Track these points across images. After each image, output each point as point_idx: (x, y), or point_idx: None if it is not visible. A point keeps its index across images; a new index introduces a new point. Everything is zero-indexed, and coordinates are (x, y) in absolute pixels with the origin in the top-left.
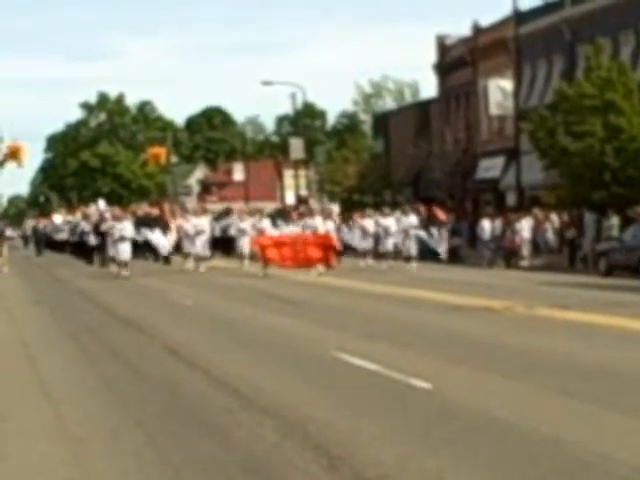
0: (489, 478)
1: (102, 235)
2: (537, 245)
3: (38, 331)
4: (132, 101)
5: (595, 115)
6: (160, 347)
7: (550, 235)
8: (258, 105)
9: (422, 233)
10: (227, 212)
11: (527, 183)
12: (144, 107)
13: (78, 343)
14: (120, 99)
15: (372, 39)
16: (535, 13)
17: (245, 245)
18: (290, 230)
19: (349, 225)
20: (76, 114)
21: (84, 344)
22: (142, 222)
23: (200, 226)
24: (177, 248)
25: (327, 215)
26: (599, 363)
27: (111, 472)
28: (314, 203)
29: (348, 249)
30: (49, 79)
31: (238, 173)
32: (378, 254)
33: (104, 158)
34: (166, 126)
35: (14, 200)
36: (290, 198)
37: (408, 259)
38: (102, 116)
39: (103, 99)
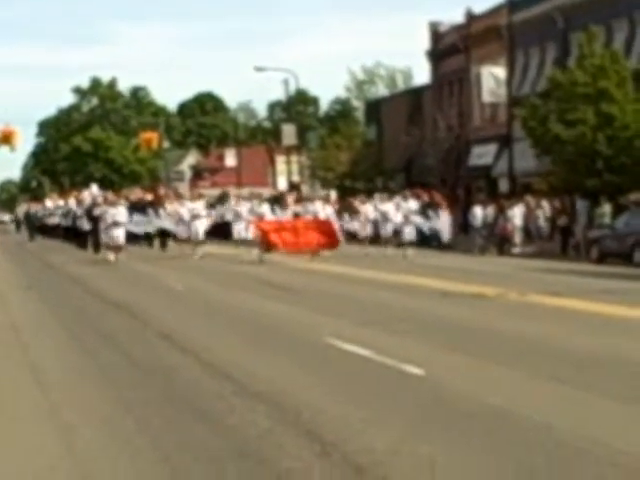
0: (482, 464)
1: (95, 220)
2: (529, 232)
3: (30, 316)
4: (125, 86)
5: (587, 103)
6: (153, 332)
7: (542, 222)
8: (250, 91)
9: (419, 220)
10: (224, 197)
11: (519, 170)
12: (137, 92)
13: (70, 328)
14: (112, 84)
15: (365, 26)
16: (528, 1)
17: (241, 230)
18: (285, 217)
19: (349, 211)
20: (68, 99)
21: (76, 329)
22: (136, 207)
23: (196, 210)
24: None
25: (326, 200)
26: (591, 350)
27: (102, 458)
28: (306, 189)
29: (347, 235)
30: (42, 64)
31: (230, 159)
32: (377, 240)
33: (96, 143)
34: (158, 111)
35: (6, 185)
36: (282, 184)
37: (406, 245)
38: (94, 101)
39: (95, 84)
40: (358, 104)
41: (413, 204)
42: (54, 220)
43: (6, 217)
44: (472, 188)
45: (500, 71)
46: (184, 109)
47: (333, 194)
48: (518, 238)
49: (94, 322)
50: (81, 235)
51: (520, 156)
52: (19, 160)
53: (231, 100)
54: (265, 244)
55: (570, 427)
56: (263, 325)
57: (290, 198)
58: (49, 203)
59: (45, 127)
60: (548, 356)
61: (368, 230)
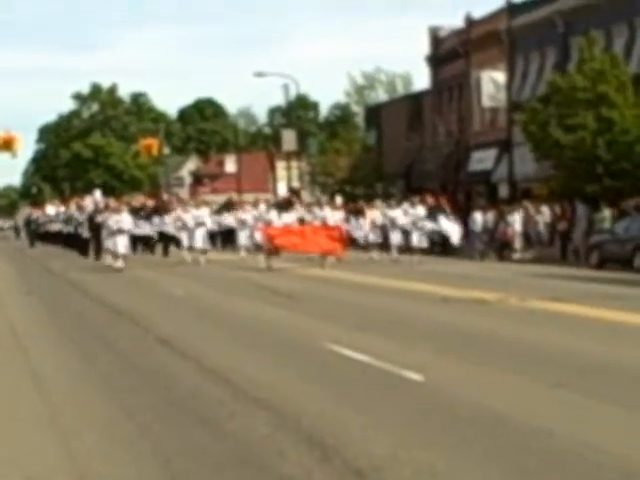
0: (481, 470)
1: (97, 227)
2: (529, 237)
3: (30, 322)
4: (125, 92)
5: (587, 108)
6: (153, 338)
7: (541, 227)
8: (250, 97)
9: (430, 225)
10: (229, 203)
11: (519, 175)
12: (137, 98)
13: (70, 334)
14: (113, 90)
15: (365, 31)
16: (528, 5)
17: (245, 237)
18: (291, 219)
19: (356, 217)
20: (69, 105)
21: (76, 335)
22: (140, 214)
23: (200, 218)
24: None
25: (335, 206)
26: (591, 356)
27: (103, 463)
28: (306, 195)
29: (354, 241)
30: (42, 70)
31: (230, 165)
32: (386, 246)
33: (96, 149)
34: (158, 117)
35: (6, 191)
36: (282, 190)
37: (414, 251)
38: (95, 107)
39: (96, 90)
40: (358, 109)
41: (421, 210)
42: (55, 226)
43: (6, 224)
44: (472, 193)
45: (500, 76)
46: (184, 115)
47: (339, 199)
48: (518, 243)
49: (94, 328)
50: (82, 242)
51: (520, 161)
52: (19, 166)
53: (231, 106)
54: (272, 248)
55: (570, 433)
56: (263, 331)
57: (297, 201)
58: (50, 209)
59: (45, 133)
60: (548, 362)
61: (375, 236)
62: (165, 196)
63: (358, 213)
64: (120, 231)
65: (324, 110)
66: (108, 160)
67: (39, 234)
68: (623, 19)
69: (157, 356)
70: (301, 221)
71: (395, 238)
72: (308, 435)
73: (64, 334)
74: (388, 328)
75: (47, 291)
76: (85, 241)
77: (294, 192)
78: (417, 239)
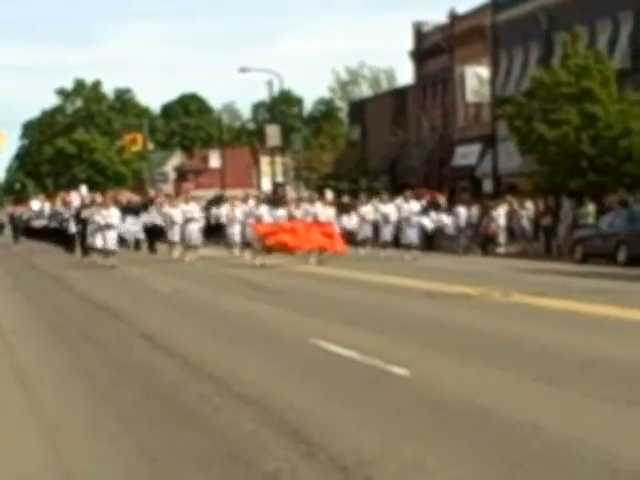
0: (467, 464)
1: (83, 222)
2: (513, 232)
3: (14, 318)
4: (109, 88)
5: (571, 103)
6: (138, 334)
7: (525, 222)
8: (234, 92)
9: (426, 221)
10: (219, 198)
11: (503, 170)
12: (121, 94)
13: (54, 330)
14: (97, 86)
15: (349, 26)
16: (512, 1)
17: (236, 233)
18: (281, 216)
19: (348, 214)
20: (52, 101)
21: (60, 331)
22: (129, 210)
23: (190, 213)
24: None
25: (326, 202)
26: (575, 350)
27: (87, 458)
28: (290, 190)
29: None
30: (26, 65)
31: (214, 160)
32: (377, 242)
33: (80, 145)
34: (142, 113)
35: None
36: (266, 185)
37: (409, 247)
38: (78, 103)
39: (79, 86)
40: (342, 105)
41: (414, 205)
42: (40, 222)
43: None
44: (456, 188)
45: (484, 71)
46: (168, 110)
47: (329, 194)
48: (502, 238)
49: (79, 324)
50: (68, 238)
51: (504, 156)
52: (2, 162)
53: (215, 101)
54: (264, 247)
55: (556, 427)
56: (249, 326)
57: (288, 197)
58: (35, 205)
59: (29, 129)
60: (533, 356)
61: (367, 232)
62: (152, 192)
63: (349, 209)
64: (108, 226)
65: (308, 105)
66: (92, 156)
67: (24, 230)
68: (607, 14)
69: (142, 352)
70: (291, 217)
71: (387, 234)
72: (293, 431)
73: (49, 330)
74: (374, 323)
75: (32, 287)
76: (71, 237)
77: (278, 187)
78: (410, 235)
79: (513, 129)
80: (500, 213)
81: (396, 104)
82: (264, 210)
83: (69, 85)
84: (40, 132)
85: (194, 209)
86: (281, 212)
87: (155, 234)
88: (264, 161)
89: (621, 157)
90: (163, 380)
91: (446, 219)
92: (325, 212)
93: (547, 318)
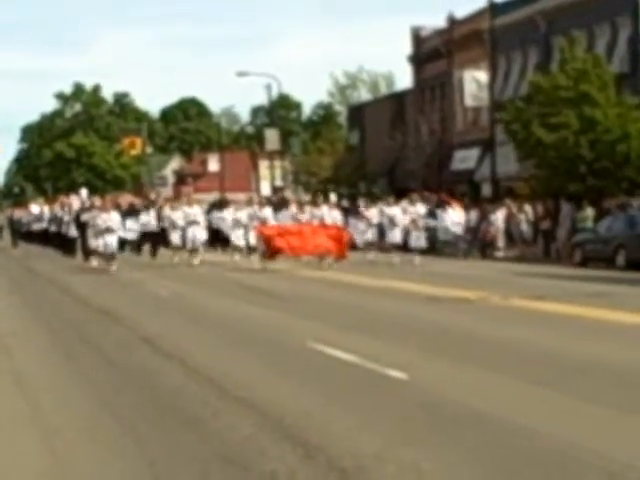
0: (465, 468)
1: (83, 226)
2: (511, 236)
3: (12, 321)
4: (108, 92)
5: (570, 107)
6: (137, 338)
7: (524, 226)
8: (233, 96)
9: (432, 223)
10: (222, 202)
11: (502, 174)
12: (120, 98)
13: (53, 334)
14: (96, 90)
15: (348, 31)
16: (510, 5)
17: (240, 237)
18: (285, 219)
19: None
20: (52, 105)
21: (59, 334)
22: (129, 213)
23: (192, 216)
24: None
25: (331, 205)
26: (574, 354)
27: (87, 462)
28: (289, 194)
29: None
30: (25, 69)
31: (213, 164)
32: (383, 246)
33: (79, 149)
34: (141, 117)
35: None
36: (265, 189)
37: (414, 251)
38: (77, 107)
39: (78, 90)
40: (341, 109)
41: (421, 208)
42: (39, 226)
43: None
44: (455, 192)
45: (482, 75)
46: (167, 115)
47: (333, 197)
48: (501, 242)
49: (78, 327)
50: (68, 242)
51: (503, 160)
52: (1, 166)
53: (214, 105)
54: (269, 250)
55: (553, 431)
56: (248, 330)
57: (292, 201)
58: (34, 209)
59: (28, 133)
60: (532, 360)
61: (371, 235)
62: (153, 195)
63: (355, 213)
64: (109, 230)
65: (307, 110)
66: (91, 160)
67: (23, 234)
68: (605, 19)
69: (141, 356)
70: (296, 220)
71: (394, 237)
72: (292, 434)
73: (47, 334)
74: (373, 327)
75: (30, 291)
76: (71, 241)
77: (277, 191)
78: (416, 239)
79: (510, 134)
80: (498, 217)
81: (395, 108)
82: (269, 213)
83: (68, 89)
84: (39, 136)
85: (197, 212)
86: (286, 215)
87: (156, 239)
88: (263, 165)
89: (619, 161)
90: (162, 384)
91: (456, 220)
92: (331, 215)
93: (546, 322)
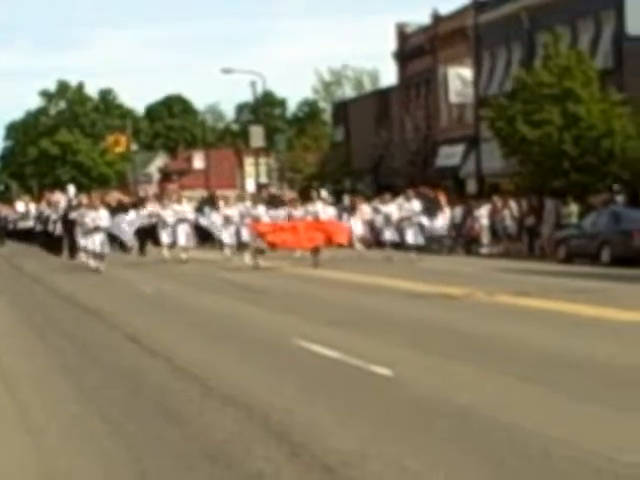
0: (449, 464)
1: (71, 224)
2: (496, 232)
3: None
4: (93, 90)
5: (553, 103)
6: (122, 335)
7: (509, 222)
8: (218, 93)
9: (426, 221)
10: (211, 199)
11: (487, 170)
12: (105, 96)
13: (39, 332)
14: (80, 87)
15: (332, 27)
16: (494, 2)
17: (231, 234)
18: (280, 217)
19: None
20: (36, 102)
21: (45, 333)
22: (118, 211)
23: (182, 213)
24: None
25: (325, 201)
26: (559, 350)
27: (72, 460)
28: (274, 191)
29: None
30: (9, 67)
31: (198, 161)
32: (379, 243)
33: (64, 146)
34: (126, 114)
35: None
36: (250, 186)
37: (409, 248)
38: (62, 104)
39: (63, 87)
40: (325, 106)
41: (416, 205)
42: (26, 224)
43: None
44: (440, 189)
45: (467, 72)
46: (152, 112)
47: (324, 193)
48: (486, 238)
49: (64, 325)
50: (55, 240)
51: (487, 157)
52: None
53: (199, 102)
54: (267, 244)
55: (537, 426)
56: (233, 327)
57: (287, 198)
58: (20, 206)
59: (12, 130)
60: (516, 356)
61: (364, 231)
62: (142, 192)
63: (350, 209)
64: (97, 229)
65: (292, 107)
66: (76, 157)
67: (9, 232)
68: (589, 15)
69: (126, 353)
70: (290, 217)
71: (389, 235)
72: (277, 431)
73: (33, 332)
74: (357, 323)
75: (17, 290)
76: (58, 239)
77: (262, 188)
78: (413, 236)
79: (495, 131)
80: (483, 213)
81: (379, 105)
82: (262, 210)
83: (53, 87)
84: (24, 134)
85: (187, 209)
86: (280, 212)
87: (145, 236)
88: (248, 162)
89: (603, 157)
90: (147, 381)
91: (440, 224)
92: (325, 211)
93: (531, 318)
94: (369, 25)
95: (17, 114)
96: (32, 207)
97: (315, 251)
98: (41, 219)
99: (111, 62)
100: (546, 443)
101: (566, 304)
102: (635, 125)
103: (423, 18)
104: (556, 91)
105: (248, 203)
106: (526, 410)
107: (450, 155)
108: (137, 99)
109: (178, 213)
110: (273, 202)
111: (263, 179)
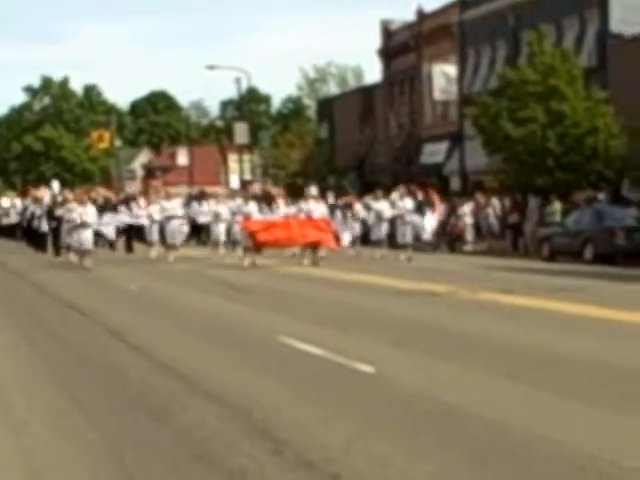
0: (433, 461)
1: (57, 220)
2: (480, 230)
3: None
4: (77, 85)
5: (538, 101)
6: (106, 332)
7: (492, 220)
8: (203, 90)
9: (417, 219)
10: (201, 195)
11: (471, 168)
12: (89, 91)
13: (22, 328)
14: (65, 83)
15: (317, 24)
16: None
17: (221, 232)
18: (275, 217)
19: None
20: (20, 98)
21: (28, 329)
22: (106, 208)
23: (171, 210)
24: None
25: (317, 199)
26: (542, 347)
27: (55, 457)
28: (258, 188)
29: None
30: None
31: (182, 157)
32: (369, 241)
33: (48, 142)
34: (110, 110)
35: None
36: (234, 182)
37: (402, 247)
38: (46, 100)
39: (47, 83)
40: (310, 102)
41: (409, 203)
42: (10, 220)
43: None
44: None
45: (451, 69)
46: (136, 108)
47: (313, 190)
48: (469, 236)
49: (47, 322)
50: (40, 236)
51: (471, 154)
52: None
53: (183, 99)
54: (255, 245)
55: (523, 425)
56: (217, 325)
57: (280, 197)
58: (5, 202)
59: None
60: (500, 354)
61: (356, 230)
62: (129, 189)
63: (345, 207)
64: (84, 225)
65: (276, 103)
66: (60, 153)
67: None
68: (574, 13)
69: (109, 349)
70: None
71: (381, 232)
72: (260, 428)
73: (17, 329)
74: (340, 321)
75: (1, 286)
76: (42, 235)
77: (246, 185)
78: (404, 234)
79: (478, 128)
80: (466, 211)
81: (364, 102)
82: (253, 207)
83: (37, 82)
84: (8, 129)
85: (176, 206)
86: (272, 209)
87: (131, 233)
88: (232, 158)
89: (587, 155)
90: (131, 378)
91: (429, 223)
92: (318, 208)
93: (514, 316)
94: (354, 22)
95: (1, 110)
96: (17, 203)
97: (314, 249)
98: (26, 215)
99: (95, 58)
100: (530, 440)
101: (549, 301)
102: (619, 123)
103: (408, 15)
104: (540, 89)
105: (239, 200)
106: (511, 408)
107: (434, 152)
108: (121, 95)
109: (167, 210)
110: (265, 199)
111: (247, 176)
